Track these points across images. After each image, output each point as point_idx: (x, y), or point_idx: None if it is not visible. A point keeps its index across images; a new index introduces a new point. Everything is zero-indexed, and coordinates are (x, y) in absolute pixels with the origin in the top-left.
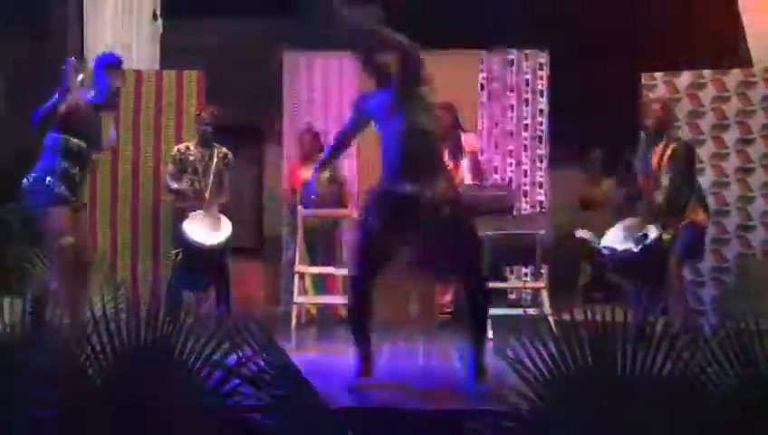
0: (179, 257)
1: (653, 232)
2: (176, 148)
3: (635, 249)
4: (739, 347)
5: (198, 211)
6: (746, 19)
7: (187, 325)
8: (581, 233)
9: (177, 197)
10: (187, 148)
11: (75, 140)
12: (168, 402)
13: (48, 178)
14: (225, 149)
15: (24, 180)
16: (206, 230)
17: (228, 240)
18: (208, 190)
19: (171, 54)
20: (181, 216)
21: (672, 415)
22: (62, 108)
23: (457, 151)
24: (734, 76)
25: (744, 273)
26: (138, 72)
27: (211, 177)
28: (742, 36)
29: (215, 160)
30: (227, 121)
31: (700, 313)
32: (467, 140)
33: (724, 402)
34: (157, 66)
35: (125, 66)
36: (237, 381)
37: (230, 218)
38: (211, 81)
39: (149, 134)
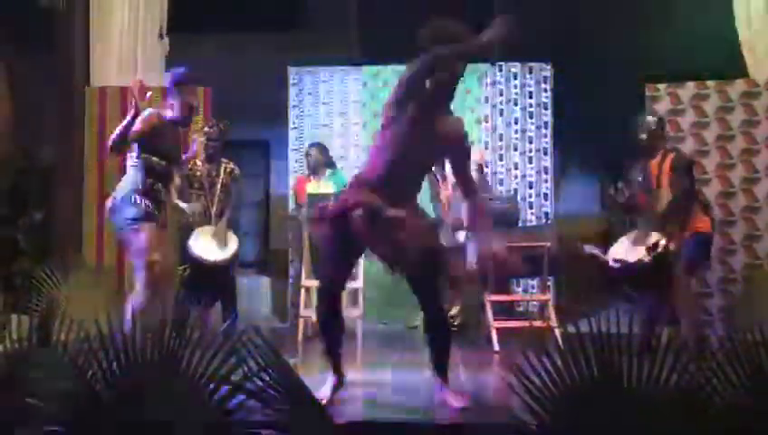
0: (186, 273)
1: (660, 241)
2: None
3: (646, 259)
4: (746, 358)
5: (205, 227)
6: (741, 33)
7: (193, 341)
8: (590, 249)
9: (183, 213)
10: (194, 163)
11: (156, 159)
12: (174, 418)
13: (135, 196)
14: (231, 165)
15: (111, 198)
16: (212, 246)
17: (235, 255)
18: (215, 206)
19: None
20: (188, 231)
21: (678, 427)
22: (140, 128)
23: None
24: (737, 87)
25: (750, 283)
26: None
27: (218, 192)
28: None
29: (221, 176)
30: (233, 136)
31: (707, 323)
32: (476, 151)
33: (730, 414)
34: (162, 83)
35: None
36: (243, 396)
37: (237, 233)
38: (217, 96)
39: None
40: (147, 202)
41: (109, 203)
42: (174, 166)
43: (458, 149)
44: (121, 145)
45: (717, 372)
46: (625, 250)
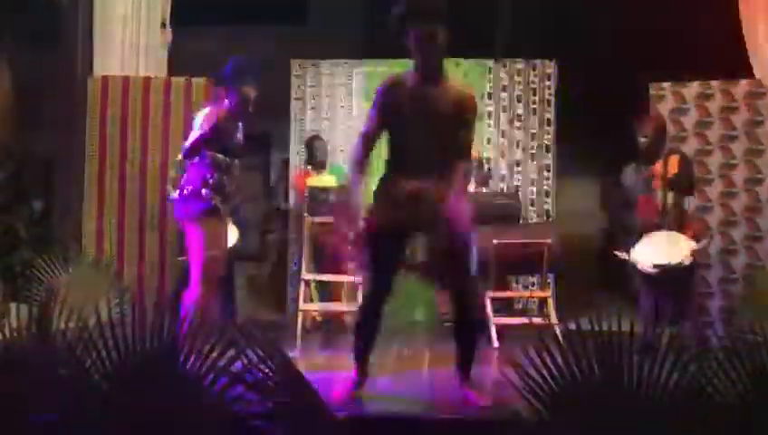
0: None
1: (695, 243)
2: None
3: (687, 262)
4: (746, 359)
5: None
6: (746, 33)
7: (191, 332)
8: (622, 254)
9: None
10: None
11: (221, 156)
12: (173, 409)
13: (204, 191)
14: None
15: (177, 193)
16: None
17: (234, 247)
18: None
19: (180, 61)
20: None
21: (678, 426)
22: (209, 130)
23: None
24: (741, 87)
25: (751, 284)
26: (146, 79)
27: None
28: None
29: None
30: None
31: (708, 324)
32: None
33: (730, 414)
34: (164, 73)
35: (134, 74)
36: (242, 387)
37: (236, 225)
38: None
39: (157, 141)
40: (215, 197)
41: (173, 196)
42: (235, 158)
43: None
44: (196, 153)
45: (718, 372)
46: (659, 254)
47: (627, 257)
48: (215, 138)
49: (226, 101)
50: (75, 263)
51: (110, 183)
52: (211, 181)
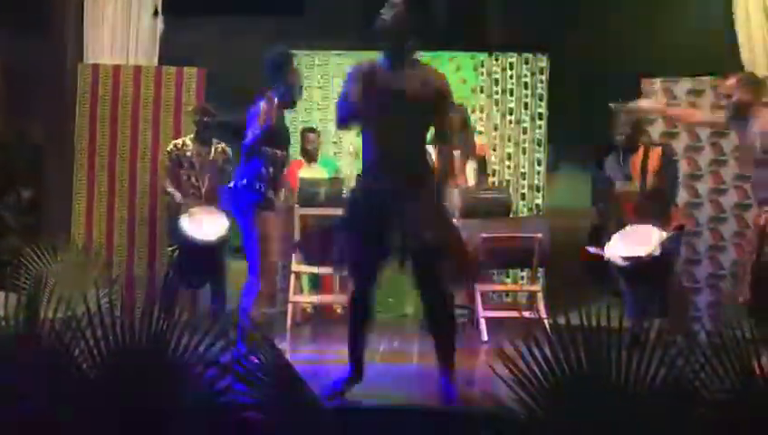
0: (176, 254)
1: (665, 234)
2: (172, 143)
3: (657, 253)
4: (734, 354)
5: (196, 207)
6: (739, 30)
7: (181, 322)
8: (595, 250)
9: (175, 203)
10: (184, 143)
11: (272, 148)
12: (162, 399)
13: (258, 184)
14: (222, 145)
15: (232, 185)
16: (203, 226)
17: (225, 237)
18: (205, 186)
19: (172, 51)
20: (178, 211)
21: (666, 420)
22: (267, 126)
23: (468, 152)
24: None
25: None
26: (137, 68)
27: (208, 172)
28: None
29: (212, 156)
30: (229, 119)
31: (696, 319)
32: (481, 143)
33: (717, 408)
34: (155, 62)
35: (124, 62)
36: (231, 378)
37: (229, 215)
38: (211, 77)
39: (148, 130)
40: (268, 190)
41: (228, 188)
42: (284, 149)
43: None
44: (257, 150)
45: (705, 366)
46: (629, 247)
47: (601, 253)
48: (269, 133)
49: (274, 94)
50: (64, 252)
51: (100, 172)
52: (264, 175)
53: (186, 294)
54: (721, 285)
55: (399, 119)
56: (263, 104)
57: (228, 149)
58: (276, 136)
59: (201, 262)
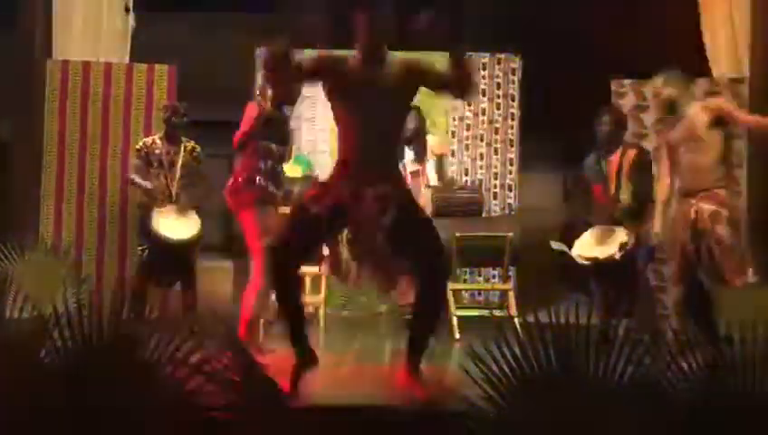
0: (146, 253)
1: (627, 237)
2: (141, 141)
3: (617, 256)
4: (700, 352)
5: (166, 206)
6: (706, 32)
7: (151, 322)
8: (557, 245)
9: (144, 191)
10: (153, 141)
11: (270, 143)
12: (130, 400)
13: (258, 178)
14: (192, 144)
15: (231, 181)
16: (173, 225)
17: (197, 236)
18: (175, 185)
19: (143, 48)
20: (149, 210)
21: (634, 418)
22: (259, 121)
23: (423, 153)
24: (700, 86)
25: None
26: (107, 65)
27: (178, 171)
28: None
29: (181, 155)
30: (200, 117)
31: (664, 317)
32: (437, 142)
33: (684, 405)
34: (126, 59)
35: (96, 59)
36: (201, 379)
37: (201, 215)
38: (183, 75)
39: (119, 128)
40: (270, 184)
41: (229, 183)
42: (284, 145)
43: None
44: (244, 146)
45: (672, 364)
46: (592, 247)
47: (565, 250)
48: (265, 128)
49: (270, 91)
50: (32, 250)
51: (69, 169)
52: (265, 169)
53: (156, 294)
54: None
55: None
56: (255, 100)
57: (198, 148)
58: (274, 131)
59: (171, 261)
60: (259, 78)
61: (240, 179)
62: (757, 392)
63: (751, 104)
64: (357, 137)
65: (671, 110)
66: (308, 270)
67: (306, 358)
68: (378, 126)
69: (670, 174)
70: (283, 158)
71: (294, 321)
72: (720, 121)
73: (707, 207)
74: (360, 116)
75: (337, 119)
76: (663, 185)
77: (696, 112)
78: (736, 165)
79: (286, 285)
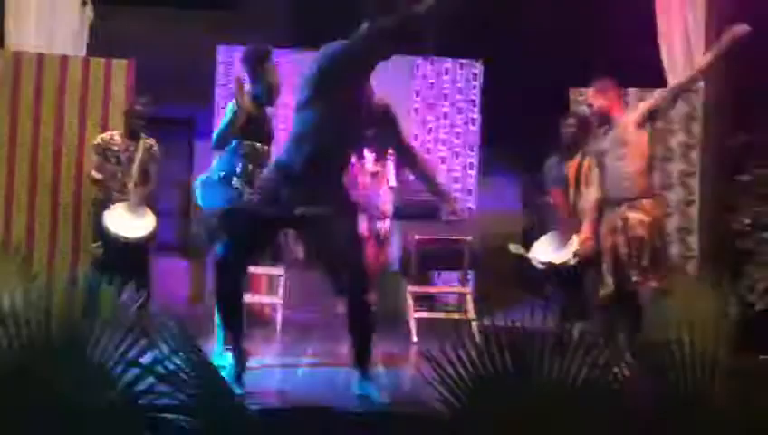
0: (100, 251)
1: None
2: (99, 137)
3: (573, 261)
4: (652, 356)
5: (121, 203)
6: (662, 43)
7: (102, 321)
8: (515, 248)
9: (100, 187)
10: (111, 137)
11: (249, 142)
12: (81, 400)
13: (234, 179)
14: (150, 140)
15: (208, 176)
16: (128, 223)
17: (151, 234)
18: (132, 182)
19: (101, 42)
20: (103, 207)
21: (587, 419)
22: (239, 121)
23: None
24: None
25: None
26: (64, 58)
27: (135, 168)
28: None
29: (140, 151)
30: (157, 113)
31: (618, 321)
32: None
33: (635, 407)
34: (83, 53)
35: (51, 51)
36: (152, 379)
37: (156, 213)
38: (142, 70)
39: (74, 122)
40: (245, 186)
41: (199, 181)
42: (265, 144)
43: (392, 117)
44: (226, 142)
45: (625, 367)
46: (550, 252)
47: (523, 253)
48: (245, 127)
49: (249, 89)
50: None
51: (20, 165)
52: (241, 171)
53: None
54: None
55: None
56: (237, 102)
57: (156, 146)
58: (256, 131)
59: (125, 259)
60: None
61: (218, 176)
62: (699, 392)
63: (704, 114)
64: (315, 147)
65: (603, 120)
66: (266, 270)
67: (241, 359)
68: (339, 138)
69: (600, 183)
70: (261, 158)
71: (233, 321)
72: (651, 116)
73: (633, 215)
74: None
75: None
76: (592, 193)
77: (624, 118)
78: (690, 173)
79: (226, 284)
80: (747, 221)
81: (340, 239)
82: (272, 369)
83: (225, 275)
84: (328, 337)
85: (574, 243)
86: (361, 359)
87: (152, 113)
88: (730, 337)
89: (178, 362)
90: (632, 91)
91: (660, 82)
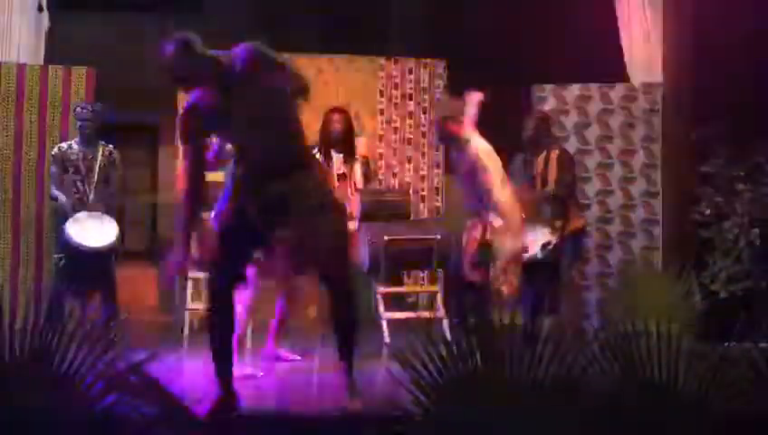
0: (62, 262)
1: (549, 237)
2: (57, 146)
3: (539, 256)
4: (619, 349)
5: (82, 212)
6: (623, 39)
7: (67, 334)
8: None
9: (62, 205)
10: (69, 146)
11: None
12: (46, 414)
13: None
14: (110, 147)
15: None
16: (89, 232)
17: (114, 243)
18: (92, 191)
19: (58, 49)
20: (65, 217)
21: (556, 413)
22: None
23: (350, 156)
24: (618, 90)
25: (624, 277)
26: (21, 66)
27: (95, 176)
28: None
29: (99, 159)
30: (121, 119)
31: (585, 315)
32: (364, 143)
33: (604, 401)
34: (41, 61)
35: (8, 59)
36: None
37: (121, 221)
38: (103, 78)
39: (33, 131)
40: None
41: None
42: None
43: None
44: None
45: (593, 361)
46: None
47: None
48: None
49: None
50: None
51: None
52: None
53: (74, 304)
54: (608, 283)
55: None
56: None
57: (116, 153)
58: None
59: (89, 270)
60: None
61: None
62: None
63: (664, 109)
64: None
65: (447, 133)
66: None
67: (229, 398)
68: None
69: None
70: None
71: (222, 350)
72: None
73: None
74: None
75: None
76: None
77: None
78: (653, 165)
79: (216, 311)
80: (709, 212)
81: (322, 233)
82: (242, 374)
83: (215, 302)
84: (300, 338)
85: (540, 237)
86: (345, 356)
87: (109, 119)
88: (694, 325)
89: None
90: (594, 87)
91: (622, 77)
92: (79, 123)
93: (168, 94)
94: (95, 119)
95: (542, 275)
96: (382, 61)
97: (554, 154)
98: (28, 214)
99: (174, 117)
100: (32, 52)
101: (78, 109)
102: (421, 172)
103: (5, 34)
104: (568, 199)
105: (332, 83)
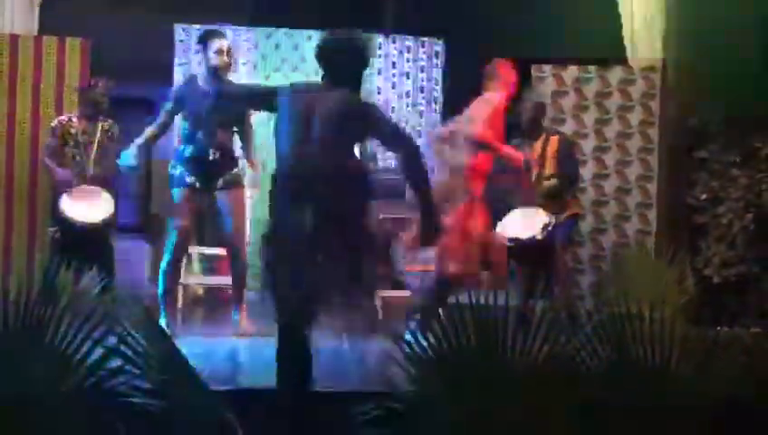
0: (58, 235)
1: (549, 219)
2: (56, 120)
3: (539, 237)
4: (611, 331)
5: (79, 187)
6: (623, 20)
7: (63, 307)
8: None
9: (52, 175)
10: (69, 120)
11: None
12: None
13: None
14: (109, 122)
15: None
16: (86, 206)
17: (111, 217)
18: (90, 165)
19: (54, 20)
20: (61, 191)
21: (549, 395)
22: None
23: None
24: (616, 73)
25: (618, 261)
26: (14, 37)
27: (94, 151)
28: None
29: (98, 133)
30: (116, 93)
31: (579, 298)
32: None
33: (596, 383)
34: (35, 31)
35: (1, 30)
36: (116, 362)
37: (115, 195)
38: (97, 49)
39: (27, 102)
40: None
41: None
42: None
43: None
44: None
45: (585, 343)
46: (515, 228)
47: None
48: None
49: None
50: None
51: None
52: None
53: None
54: (602, 266)
55: None
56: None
57: (116, 127)
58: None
59: (85, 243)
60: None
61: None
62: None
63: (662, 92)
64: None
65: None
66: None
67: None
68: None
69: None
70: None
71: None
72: None
73: None
74: None
75: None
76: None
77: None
78: (648, 149)
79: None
80: (703, 196)
81: None
82: (236, 348)
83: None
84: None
85: (540, 218)
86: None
87: (111, 95)
88: (688, 310)
89: (142, 344)
90: (592, 69)
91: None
92: (89, 101)
93: (164, 68)
94: (102, 97)
95: (535, 258)
96: (379, 39)
97: (554, 140)
98: (21, 184)
99: (167, 90)
100: (26, 22)
101: (98, 90)
102: None
103: (0, 7)
104: (571, 184)
105: None
